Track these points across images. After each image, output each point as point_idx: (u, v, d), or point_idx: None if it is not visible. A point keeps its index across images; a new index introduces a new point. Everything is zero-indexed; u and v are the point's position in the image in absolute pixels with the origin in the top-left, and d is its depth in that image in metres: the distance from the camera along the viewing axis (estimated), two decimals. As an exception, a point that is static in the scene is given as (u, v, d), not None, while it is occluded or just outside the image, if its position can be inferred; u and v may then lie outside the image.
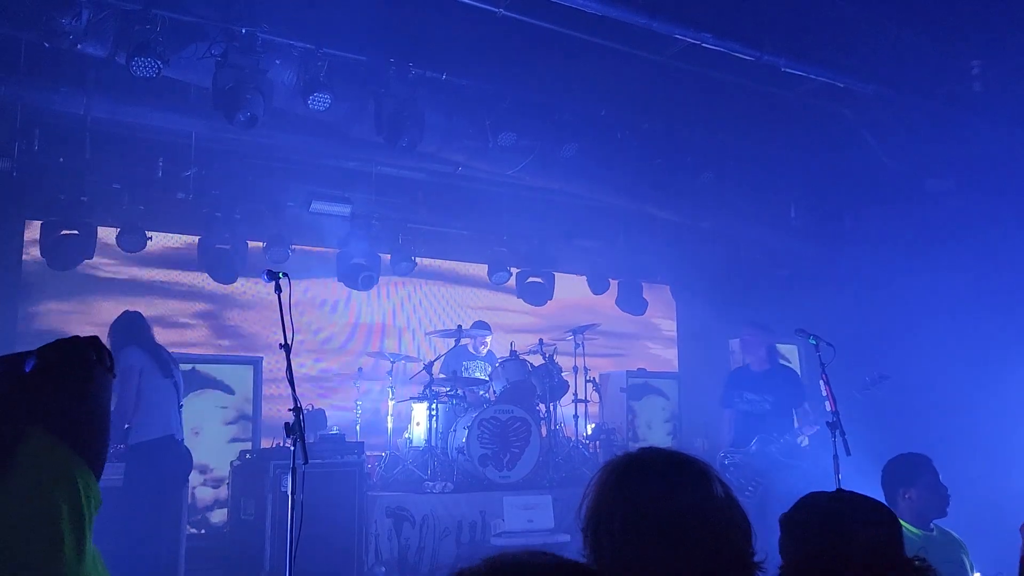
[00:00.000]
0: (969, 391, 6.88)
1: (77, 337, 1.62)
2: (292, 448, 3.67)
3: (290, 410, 3.69)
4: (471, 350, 7.88)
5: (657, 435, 8.61)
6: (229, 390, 7.07)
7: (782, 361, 6.70)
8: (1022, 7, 5.87)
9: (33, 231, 7.03)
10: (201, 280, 7.71)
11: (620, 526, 1.45)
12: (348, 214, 7.75)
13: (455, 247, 9.00)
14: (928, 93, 6.92)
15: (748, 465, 5.88)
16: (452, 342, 7.74)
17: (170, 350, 5.69)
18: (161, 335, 5.95)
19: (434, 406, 6.84)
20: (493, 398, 7.15)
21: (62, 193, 6.78)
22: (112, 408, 1.83)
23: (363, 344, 8.52)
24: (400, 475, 6.70)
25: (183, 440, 5.36)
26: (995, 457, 6.61)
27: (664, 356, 10.22)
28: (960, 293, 7.16)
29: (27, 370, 1.55)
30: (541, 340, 7.53)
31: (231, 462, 6.46)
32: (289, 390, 3.73)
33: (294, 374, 3.77)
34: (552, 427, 7.20)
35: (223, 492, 6.79)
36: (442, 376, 7.26)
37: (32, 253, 7.05)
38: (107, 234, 7.09)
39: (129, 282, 7.58)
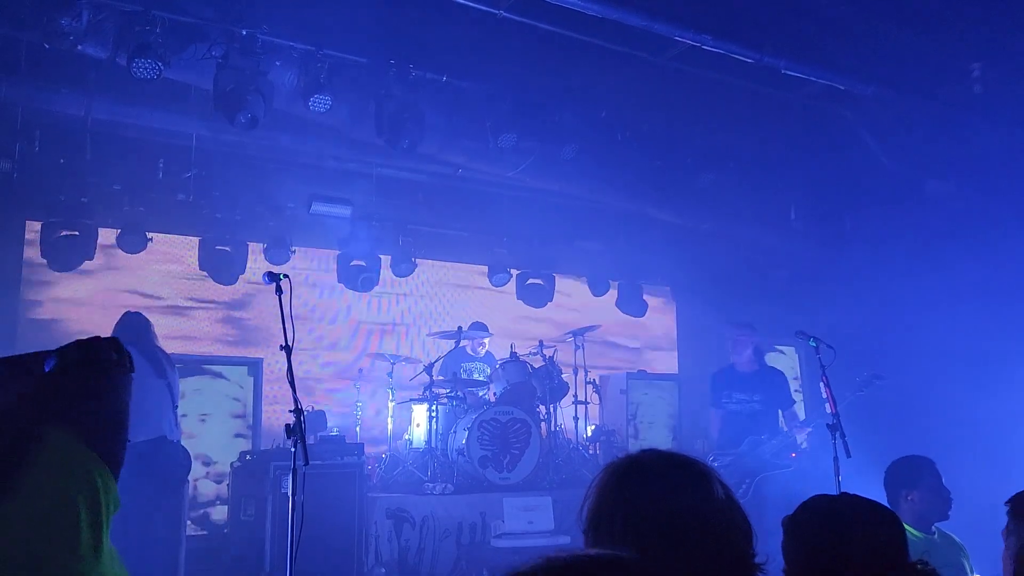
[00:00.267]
0: (969, 393, 6.87)
1: (98, 337, 1.63)
2: (292, 449, 3.68)
3: (290, 411, 3.69)
4: (469, 352, 7.88)
5: (657, 437, 8.61)
6: (235, 385, 7.08)
7: (768, 362, 6.65)
8: (1022, 8, 5.87)
9: (33, 232, 7.03)
10: (201, 281, 7.70)
11: (621, 527, 1.45)
12: (348, 215, 7.75)
13: (455, 248, 8.99)
14: (928, 95, 6.93)
15: (738, 466, 5.85)
16: (452, 343, 7.73)
17: (170, 351, 5.70)
18: (160, 335, 5.95)
19: (434, 407, 6.84)
20: (493, 399, 7.15)
21: (62, 194, 6.78)
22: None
23: (363, 345, 8.51)
24: (400, 476, 6.70)
25: (179, 440, 5.35)
26: (995, 459, 6.61)
27: (661, 359, 10.23)
28: (960, 294, 7.16)
29: (46, 370, 1.56)
30: (541, 342, 7.53)
31: (231, 463, 6.46)
32: (290, 391, 3.73)
33: (294, 375, 3.77)
34: (552, 429, 7.20)
35: (224, 489, 6.79)
36: (441, 378, 7.26)
37: (32, 254, 7.05)
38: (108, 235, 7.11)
39: (129, 282, 7.58)
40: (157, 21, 5.23)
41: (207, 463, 6.79)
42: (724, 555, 1.45)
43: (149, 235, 7.15)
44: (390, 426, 7.30)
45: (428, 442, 6.78)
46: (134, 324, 5.52)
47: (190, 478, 5.89)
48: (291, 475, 3.67)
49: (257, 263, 7.53)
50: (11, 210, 6.98)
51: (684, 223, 8.66)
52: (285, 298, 3.89)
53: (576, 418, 7.68)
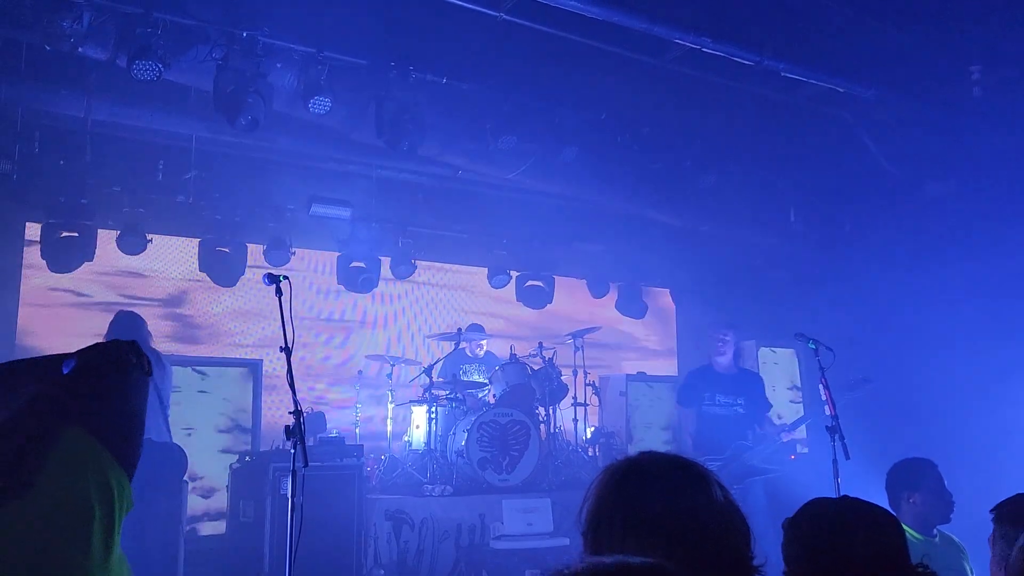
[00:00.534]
0: (969, 394, 6.88)
1: (117, 340, 1.65)
2: (292, 451, 3.67)
3: (290, 413, 3.69)
4: (468, 354, 7.88)
5: (656, 439, 8.61)
6: (226, 395, 6.99)
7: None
8: (1020, 13, 5.88)
9: (33, 233, 7.03)
10: (201, 282, 7.70)
11: (620, 529, 1.46)
12: (348, 217, 7.76)
13: (455, 250, 9.00)
14: (928, 97, 6.94)
15: (726, 471, 5.79)
16: (452, 345, 7.73)
17: (169, 352, 5.71)
18: (160, 336, 5.96)
19: (433, 409, 6.84)
20: (493, 401, 7.15)
21: (62, 195, 6.78)
22: None
23: (362, 347, 8.51)
24: (399, 478, 6.70)
25: (169, 441, 5.33)
26: (995, 461, 6.60)
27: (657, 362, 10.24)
28: (960, 296, 7.16)
29: (65, 371, 1.57)
30: (541, 343, 7.53)
31: (230, 464, 6.45)
32: (290, 393, 3.73)
33: (294, 377, 3.77)
34: (551, 430, 7.20)
35: (213, 503, 6.69)
36: (441, 379, 7.27)
37: (32, 255, 7.05)
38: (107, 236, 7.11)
39: (129, 282, 7.58)
40: (158, 23, 5.23)
41: (192, 479, 6.54)
42: (723, 557, 1.45)
43: (148, 236, 7.15)
44: (389, 428, 7.30)
45: (427, 444, 6.78)
46: (126, 323, 5.51)
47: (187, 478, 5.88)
48: (290, 476, 3.66)
49: (257, 265, 7.54)
50: (11, 211, 6.99)
51: (684, 225, 8.67)
52: (285, 300, 3.89)
53: (575, 420, 7.68)
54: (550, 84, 6.71)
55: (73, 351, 1.63)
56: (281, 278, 3.93)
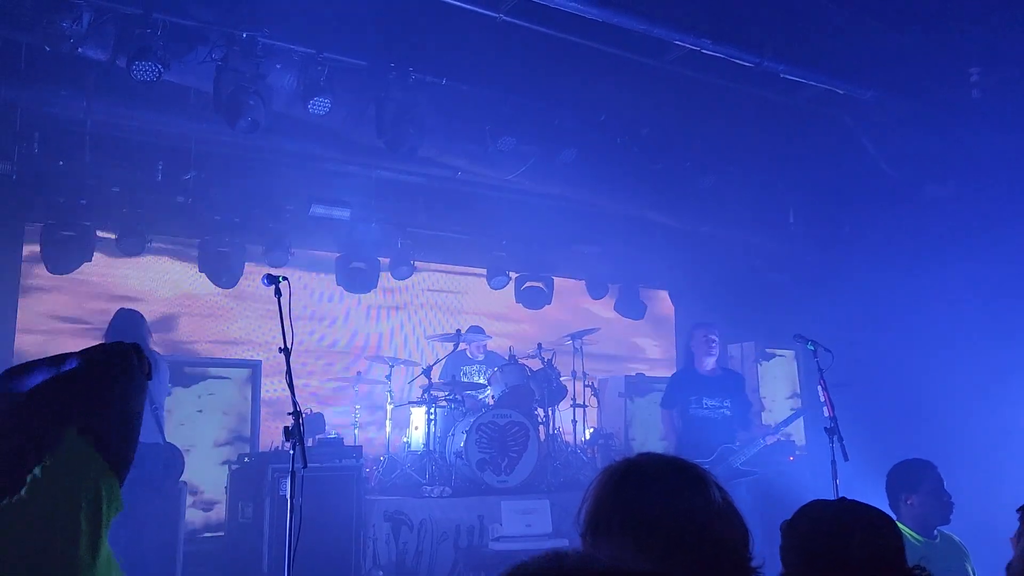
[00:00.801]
0: (969, 395, 6.88)
1: (122, 342, 1.66)
2: (291, 452, 3.67)
3: (289, 414, 3.68)
4: (469, 355, 7.88)
5: (655, 440, 8.60)
6: (225, 408, 6.96)
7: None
8: (1020, 14, 5.89)
9: (32, 234, 7.03)
10: (201, 283, 7.70)
11: (619, 530, 1.46)
12: (347, 218, 7.76)
13: (454, 251, 9.00)
14: (927, 99, 6.94)
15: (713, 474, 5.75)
16: (451, 346, 7.73)
17: (167, 353, 5.70)
18: (159, 337, 5.95)
19: (432, 410, 6.84)
20: (492, 402, 7.15)
21: (61, 196, 6.78)
22: None
23: (361, 348, 8.51)
24: (398, 479, 6.69)
25: (161, 442, 5.32)
26: (994, 462, 6.61)
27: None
28: (959, 298, 7.17)
29: (65, 370, 1.58)
30: (540, 345, 7.53)
31: (229, 465, 6.45)
32: (289, 394, 3.72)
33: (293, 378, 3.77)
34: (550, 432, 7.20)
35: (213, 515, 6.67)
36: (441, 381, 7.27)
37: (31, 256, 7.04)
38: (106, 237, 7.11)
39: (128, 284, 7.57)
40: (157, 24, 5.23)
41: (193, 492, 6.53)
42: (722, 559, 1.45)
43: (148, 237, 7.15)
44: (388, 429, 7.30)
45: (426, 445, 6.77)
46: (126, 321, 5.50)
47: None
48: (289, 477, 3.66)
49: (256, 266, 7.53)
50: (10, 212, 6.98)
51: (683, 226, 8.67)
52: (284, 300, 3.89)
53: (574, 421, 7.68)
54: (549, 85, 6.71)
55: (76, 350, 1.64)
56: (280, 279, 3.93)
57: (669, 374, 7.35)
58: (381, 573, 5.85)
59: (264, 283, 3.97)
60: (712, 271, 9.32)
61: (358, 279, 8.13)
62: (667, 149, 7.61)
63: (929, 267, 7.53)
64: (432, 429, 6.80)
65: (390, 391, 7.39)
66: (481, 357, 7.87)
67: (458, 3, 5.35)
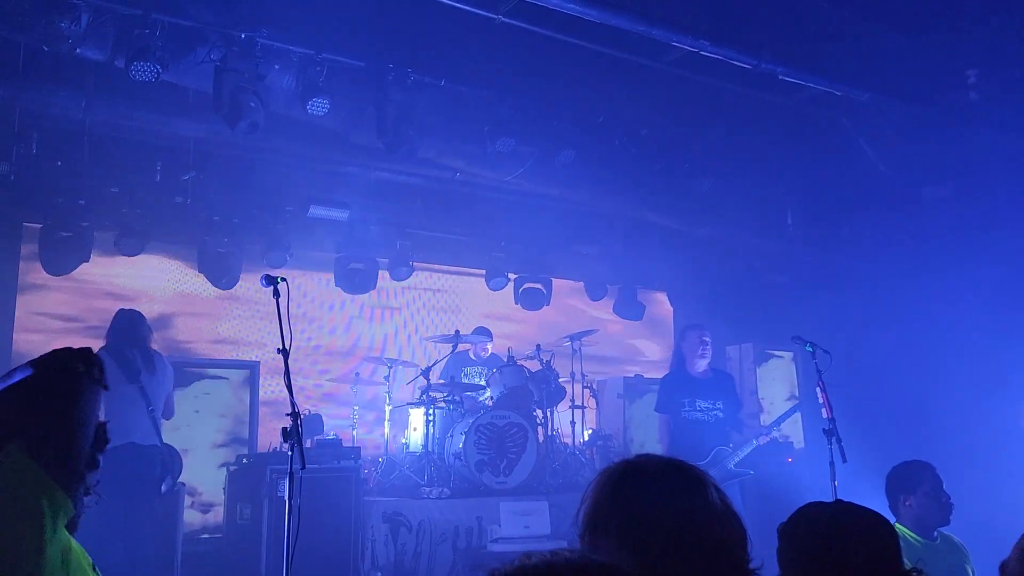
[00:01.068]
0: (968, 397, 6.89)
1: (68, 349, 1.65)
2: (289, 453, 3.67)
3: (288, 415, 3.68)
4: (472, 356, 7.87)
5: (654, 441, 8.60)
6: (224, 403, 6.95)
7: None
8: (1017, 17, 5.90)
9: (31, 234, 7.02)
10: (199, 283, 7.70)
11: (617, 532, 1.46)
12: (346, 219, 7.76)
13: (453, 252, 9.00)
14: (925, 102, 6.95)
15: None
16: (450, 347, 7.72)
17: (165, 354, 5.69)
18: (157, 336, 5.93)
19: (431, 411, 6.84)
20: (491, 404, 7.14)
21: (60, 197, 6.77)
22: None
23: (360, 349, 8.51)
24: (397, 480, 6.69)
25: (158, 443, 5.31)
26: (994, 463, 6.62)
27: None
28: (957, 300, 7.18)
29: (12, 383, 1.58)
30: (538, 346, 7.53)
31: (227, 466, 6.45)
32: (287, 395, 3.72)
33: (291, 379, 3.77)
34: (549, 433, 7.20)
35: (211, 518, 6.65)
36: (441, 382, 7.26)
37: (29, 256, 7.04)
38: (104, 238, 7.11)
39: (127, 283, 7.57)
40: (156, 24, 5.23)
41: (191, 493, 6.50)
42: (721, 559, 1.45)
43: (146, 238, 7.15)
44: (387, 430, 7.29)
45: (425, 446, 6.77)
46: (122, 323, 5.51)
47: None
48: (288, 479, 3.66)
49: (255, 266, 7.53)
50: (8, 213, 6.98)
51: (682, 228, 8.68)
52: (283, 301, 3.89)
53: (573, 422, 7.67)
54: (548, 86, 6.72)
55: (30, 361, 1.65)
56: (279, 280, 3.93)
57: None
58: (379, 574, 5.85)
59: (263, 284, 3.96)
60: (711, 272, 9.32)
61: (357, 280, 8.13)
62: (666, 150, 7.61)
63: (927, 268, 7.54)
64: (431, 430, 6.80)
65: (388, 392, 7.38)
66: (485, 356, 7.85)
67: (457, 4, 5.36)
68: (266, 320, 7.72)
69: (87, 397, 1.64)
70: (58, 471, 1.60)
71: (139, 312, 5.67)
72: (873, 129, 7.36)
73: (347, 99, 6.08)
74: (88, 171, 6.74)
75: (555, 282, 9.26)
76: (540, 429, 7.06)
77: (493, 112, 6.63)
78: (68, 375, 1.63)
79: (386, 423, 7.31)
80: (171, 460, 5.49)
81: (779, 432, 6.49)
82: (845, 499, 2.01)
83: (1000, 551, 2.06)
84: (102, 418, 2.01)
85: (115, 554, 4.80)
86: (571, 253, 9.15)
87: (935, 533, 3.65)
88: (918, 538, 3.58)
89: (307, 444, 5.56)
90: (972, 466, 6.05)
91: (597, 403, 8.27)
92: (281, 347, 3.77)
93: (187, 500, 6.21)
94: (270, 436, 6.65)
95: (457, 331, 7.56)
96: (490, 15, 5.46)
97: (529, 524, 6.22)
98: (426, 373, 7.15)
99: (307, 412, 6.59)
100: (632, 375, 9.01)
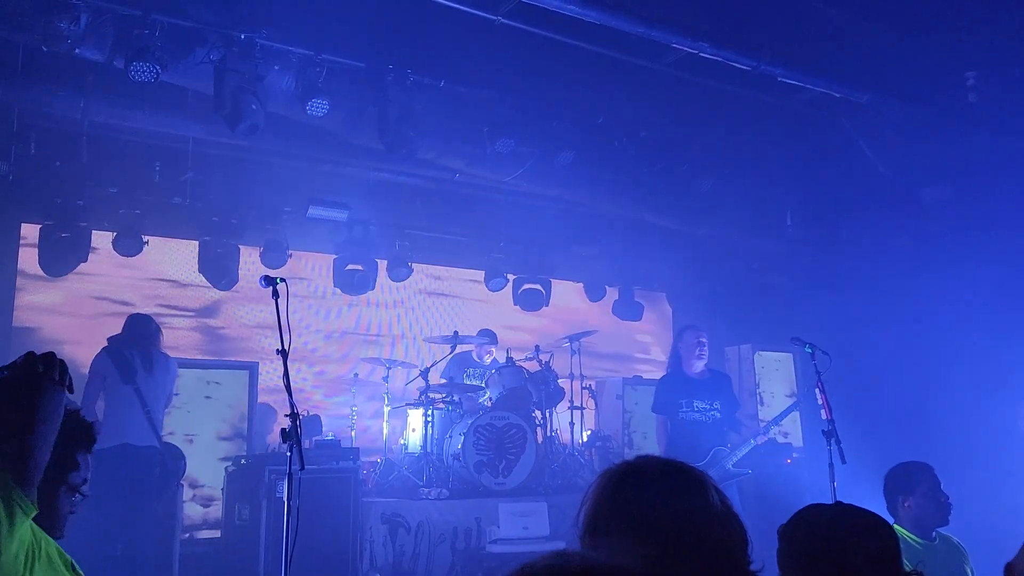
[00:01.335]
0: (967, 397, 6.89)
1: (31, 353, 1.71)
2: (288, 454, 3.67)
3: (286, 415, 3.68)
4: (475, 358, 7.85)
5: (653, 442, 8.60)
6: (222, 404, 6.94)
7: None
8: (1016, 19, 5.91)
9: (29, 235, 7.01)
10: (197, 284, 7.69)
11: (618, 533, 1.46)
12: (345, 219, 7.76)
13: (452, 253, 9.00)
14: (924, 102, 6.96)
15: None
16: (449, 348, 7.71)
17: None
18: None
19: (430, 412, 6.83)
20: (490, 404, 7.14)
21: (58, 197, 6.77)
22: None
23: (359, 349, 8.50)
24: (395, 481, 6.68)
25: (156, 444, 5.31)
26: (993, 464, 6.62)
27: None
28: (956, 301, 7.18)
29: None
30: (537, 347, 7.53)
31: (225, 467, 6.44)
32: (286, 396, 3.72)
33: (291, 379, 3.76)
34: (548, 434, 7.19)
35: (213, 512, 6.64)
36: (443, 381, 7.26)
37: (28, 257, 7.03)
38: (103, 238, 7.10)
39: (125, 285, 7.56)
40: (155, 25, 5.22)
41: (193, 485, 6.54)
42: (721, 560, 1.45)
43: (145, 238, 7.14)
44: (385, 431, 7.28)
45: (424, 447, 6.77)
46: (128, 325, 5.56)
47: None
48: (286, 479, 3.65)
49: (253, 267, 7.53)
50: (6, 213, 6.97)
51: (681, 229, 8.68)
52: (282, 302, 3.88)
53: (572, 423, 7.67)
54: (548, 88, 6.72)
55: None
56: (278, 280, 3.93)
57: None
58: (378, 575, 5.84)
59: (261, 285, 3.96)
60: (710, 273, 9.33)
61: (355, 281, 8.13)
62: (665, 151, 7.62)
63: (927, 269, 7.54)
64: (430, 431, 6.79)
65: (387, 393, 7.38)
66: (488, 360, 7.81)
67: (456, 5, 5.36)
68: (265, 321, 7.71)
69: (47, 398, 1.70)
70: (17, 471, 1.65)
71: (148, 316, 5.72)
72: (872, 130, 7.36)
73: (346, 100, 6.08)
74: (87, 171, 6.74)
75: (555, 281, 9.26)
76: (539, 430, 7.06)
77: (493, 113, 6.63)
78: (28, 377, 1.69)
79: (385, 424, 7.30)
80: (174, 461, 5.49)
81: (778, 430, 6.47)
82: (844, 500, 2.01)
83: (1000, 551, 2.06)
84: (90, 418, 2.03)
85: (113, 554, 4.80)
86: (570, 254, 9.16)
87: (934, 534, 3.65)
88: (916, 539, 3.58)
89: (306, 445, 5.55)
90: (971, 467, 6.04)
91: (596, 404, 8.27)
92: (280, 348, 3.77)
93: (188, 492, 6.22)
94: (268, 437, 6.66)
95: (456, 332, 7.56)
96: (490, 16, 5.46)
97: (528, 525, 6.21)
98: (425, 374, 7.14)
99: (306, 413, 6.58)
100: (631, 376, 9.02)
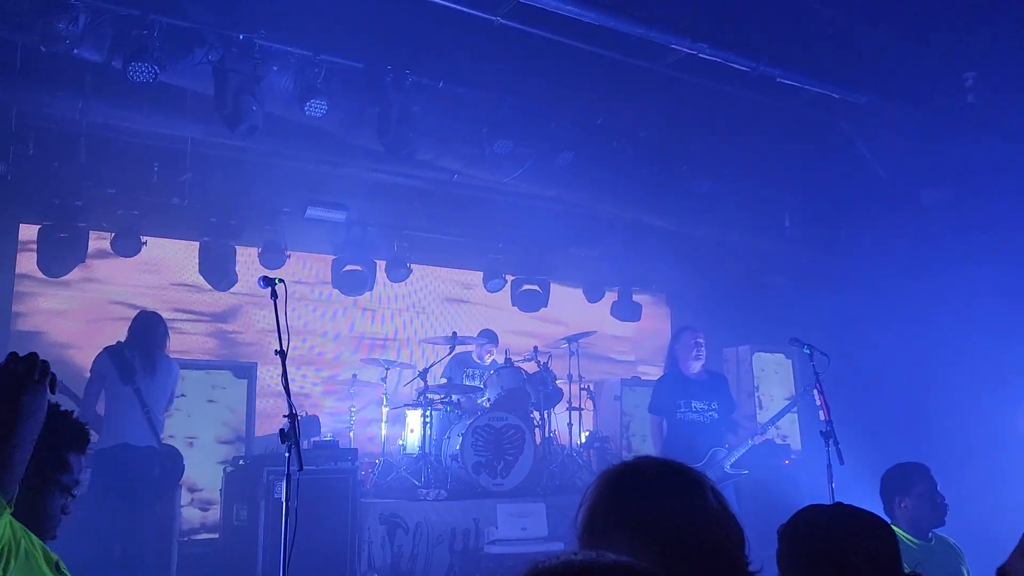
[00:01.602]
0: (965, 398, 6.89)
1: (14, 353, 1.73)
2: (286, 454, 3.66)
3: (285, 416, 3.68)
4: (475, 358, 7.84)
5: (651, 443, 8.60)
6: (220, 404, 6.92)
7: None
8: (1014, 20, 5.91)
9: (27, 236, 7.00)
10: (196, 285, 7.68)
11: (615, 533, 1.45)
12: (344, 220, 7.75)
13: (451, 254, 9.00)
14: (922, 104, 6.97)
15: None
16: (447, 349, 7.70)
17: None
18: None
19: (428, 413, 6.83)
20: (488, 405, 7.14)
21: (57, 198, 6.76)
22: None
23: (357, 350, 8.50)
24: (394, 482, 6.68)
25: (155, 445, 5.29)
26: (991, 465, 6.62)
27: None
28: (955, 302, 7.19)
29: None
30: (536, 348, 7.53)
31: (224, 468, 6.43)
32: (284, 396, 3.72)
33: (289, 380, 3.76)
34: (546, 435, 7.19)
35: (211, 516, 6.62)
36: (443, 380, 7.26)
37: (26, 258, 7.02)
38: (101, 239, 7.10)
39: (123, 286, 7.55)
40: (154, 25, 5.21)
41: (192, 490, 6.54)
42: (720, 561, 1.45)
43: (143, 239, 7.14)
44: (384, 431, 7.28)
45: (422, 448, 6.76)
46: (134, 325, 5.54)
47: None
48: (285, 480, 3.65)
49: (252, 268, 7.52)
50: (5, 214, 6.96)
51: (680, 230, 8.68)
52: (280, 302, 3.88)
53: (570, 424, 7.67)
54: (546, 88, 6.71)
55: None
56: (276, 281, 3.93)
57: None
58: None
59: (260, 285, 3.96)
60: (709, 274, 9.33)
61: (354, 281, 8.12)
62: (664, 152, 7.61)
63: (925, 270, 7.55)
64: (428, 432, 6.79)
65: (386, 393, 7.37)
66: (489, 360, 7.81)
67: (455, 6, 5.36)
68: (264, 321, 7.71)
69: (28, 397, 1.71)
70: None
71: (157, 315, 5.68)
72: (871, 131, 7.37)
73: (345, 100, 6.08)
74: (85, 172, 6.73)
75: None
76: (537, 431, 7.06)
77: (491, 114, 6.62)
78: (8, 376, 1.71)
79: (383, 425, 7.30)
80: (173, 462, 5.49)
81: (776, 429, 6.47)
82: (843, 501, 2.01)
83: (1000, 552, 2.06)
84: (85, 419, 2.04)
85: (111, 554, 4.80)
86: (569, 255, 9.16)
87: (930, 535, 3.65)
88: (913, 540, 3.58)
89: (304, 445, 5.54)
90: (971, 468, 6.05)
91: (594, 405, 8.27)
92: (279, 348, 3.77)
93: (187, 496, 6.20)
94: (267, 437, 6.65)
95: (455, 333, 7.55)
96: (488, 17, 5.46)
97: (526, 526, 6.21)
98: (423, 375, 7.14)
99: (304, 413, 6.58)
100: (630, 377, 9.02)
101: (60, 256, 6.77)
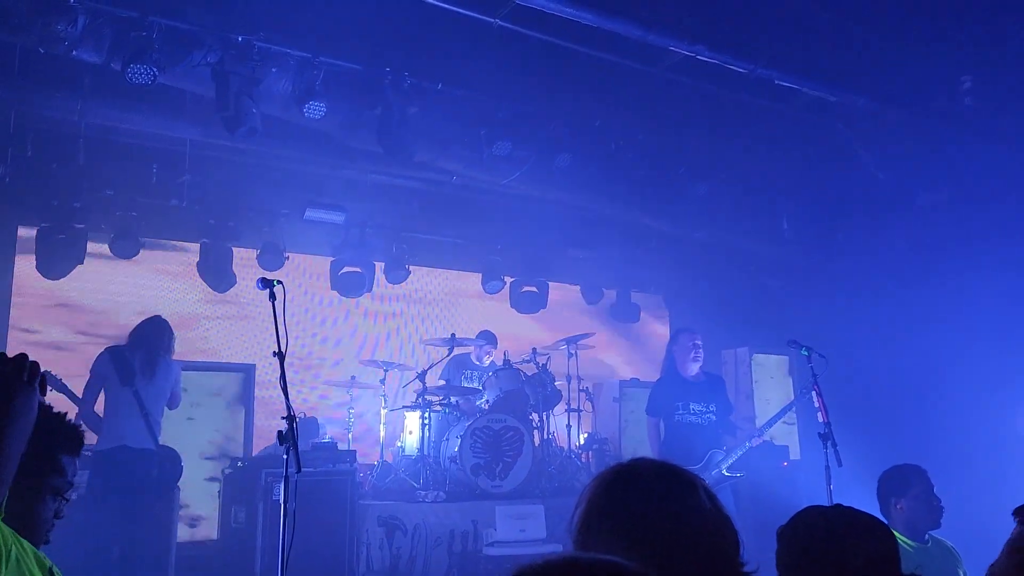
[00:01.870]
0: (963, 401, 6.90)
1: (2, 354, 1.72)
2: (284, 456, 3.66)
3: (283, 418, 3.68)
4: (474, 360, 7.84)
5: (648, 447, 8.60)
6: (219, 405, 6.91)
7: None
8: (1011, 24, 5.93)
9: (25, 237, 7.00)
10: (195, 286, 7.68)
11: (610, 535, 1.45)
12: (342, 222, 7.75)
13: (449, 256, 9.00)
14: (920, 108, 6.98)
15: None
16: (446, 351, 7.70)
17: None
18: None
19: (427, 415, 6.83)
20: (487, 407, 7.13)
21: (55, 199, 6.75)
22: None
23: (356, 351, 8.50)
24: (392, 484, 6.68)
25: (153, 447, 5.29)
26: (989, 467, 6.63)
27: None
28: (952, 305, 7.20)
29: None
30: (534, 349, 7.53)
31: (223, 470, 6.43)
32: (283, 397, 3.72)
33: (287, 381, 3.76)
34: (545, 436, 7.19)
35: (200, 532, 6.58)
36: (441, 383, 7.25)
37: (24, 259, 7.01)
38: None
39: (123, 286, 7.55)
40: (153, 27, 5.21)
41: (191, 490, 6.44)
42: (716, 562, 1.45)
43: (142, 240, 7.14)
44: (382, 433, 7.27)
45: (420, 449, 6.76)
46: (138, 328, 5.55)
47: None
48: (283, 482, 3.65)
49: (251, 269, 7.51)
50: (3, 215, 6.96)
51: (678, 232, 8.69)
52: (279, 304, 3.88)
53: (569, 426, 7.66)
54: (545, 91, 6.72)
55: None
56: (275, 283, 3.93)
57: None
58: (374, 578, 5.84)
59: (259, 287, 3.96)
60: (706, 277, 9.34)
61: (352, 283, 8.12)
62: (662, 155, 7.63)
63: (923, 274, 7.56)
64: (426, 434, 6.79)
65: (384, 395, 7.37)
66: (488, 361, 7.80)
67: (454, 8, 5.37)
68: (263, 322, 7.69)
69: (17, 399, 1.68)
70: None
71: (163, 320, 5.67)
72: (869, 134, 7.38)
73: (344, 102, 6.09)
74: (83, 174, 6.73)
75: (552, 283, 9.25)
76: (536, 433, 7.05)
77: (490, 116, 6.63)
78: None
79: (382, 426, 7.29)
80: (171, 464, 5.48)
81: (773, 433, 6.47)
82: (841, 503, 2.01)
83: (998, 553, 2.06)
84: (81, 420, 2.03)
85: (109, 556, 4.80)
86: (567, 257, 9.16)
87: (926, 536, 3.65)
88: (909, 542, 3.58)
89: (302, 447, 5.53)
90: (970, 469, 6.06)
91: (593, 407, 8.26)
92: (277, 350, 3.77)
93: (186, 498, 6.19)
94: (265, 439, 6.64)
95: (453, 334, 7.55)
96: (487, 19, 5.47)
97: (525, 528, 6.21)
98: (422, 376, 7.13)
99: (302, 415, 6.57)
100: (628, 378, 9.02)
101: (58, 258, 6.76)
